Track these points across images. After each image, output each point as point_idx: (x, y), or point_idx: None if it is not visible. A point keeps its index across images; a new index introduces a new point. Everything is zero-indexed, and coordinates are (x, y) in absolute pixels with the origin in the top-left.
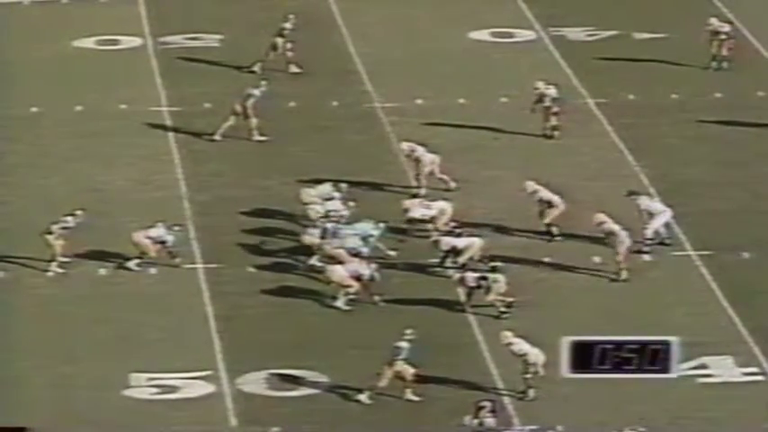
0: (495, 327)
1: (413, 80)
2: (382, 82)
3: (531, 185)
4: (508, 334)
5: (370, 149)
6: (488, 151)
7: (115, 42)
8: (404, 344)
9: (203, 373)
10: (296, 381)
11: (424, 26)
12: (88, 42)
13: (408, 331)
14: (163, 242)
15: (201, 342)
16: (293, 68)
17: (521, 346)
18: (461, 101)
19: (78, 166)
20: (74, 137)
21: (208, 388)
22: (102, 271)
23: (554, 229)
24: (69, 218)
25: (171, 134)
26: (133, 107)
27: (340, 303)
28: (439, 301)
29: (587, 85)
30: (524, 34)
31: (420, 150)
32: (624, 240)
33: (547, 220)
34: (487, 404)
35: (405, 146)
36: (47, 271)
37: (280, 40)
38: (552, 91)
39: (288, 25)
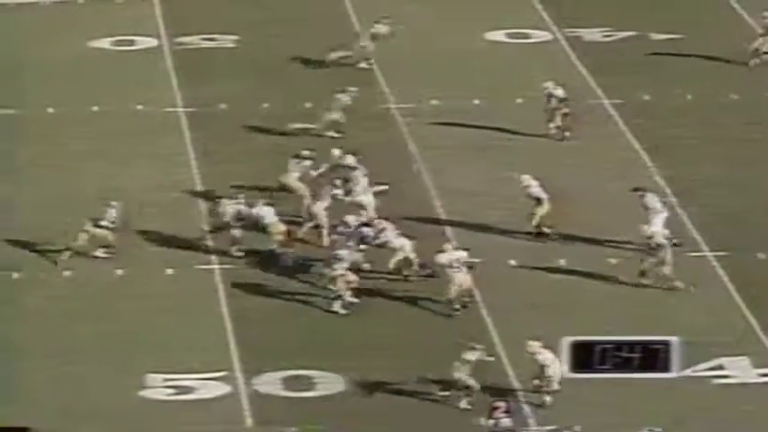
0: (511, 328)
1: (428, 81)
2: (397, 82)
3: (526, 179)
4: (535, 344)
5: (385, 150)
6: (504, 152)
7: (131, 43)
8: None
9: (219, 374)
10: (312, 381)
11: (440, 26)
12: (104, 43)
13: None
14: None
15: (217, 343)
16: (363, 64)
17: (545, 356)
18: (477, 101)
19: (94, 167)
20: (90, 137)
21: (224, 388)
22: (119, 271)
23: (545, 229)
24: (112, 209)
25: (187, 134)
26: (149, 108)
27: (337, 307)
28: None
29: (603, 85)
30: (540, 35)
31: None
32: (668, 250)
33: (534, 222)
34: (502, 405)
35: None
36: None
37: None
38: (560, 92)
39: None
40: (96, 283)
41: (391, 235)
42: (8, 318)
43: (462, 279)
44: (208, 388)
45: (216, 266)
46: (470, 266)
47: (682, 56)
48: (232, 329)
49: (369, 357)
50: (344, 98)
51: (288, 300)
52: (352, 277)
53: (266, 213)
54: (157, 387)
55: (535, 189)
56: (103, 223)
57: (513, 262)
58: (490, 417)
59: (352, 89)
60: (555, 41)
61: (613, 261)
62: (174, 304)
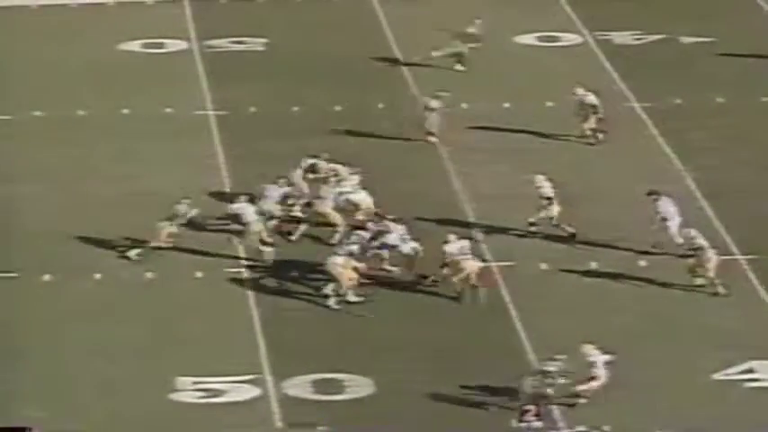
0: (541, 330)
1: (459, 83)
2: (427, 85)
3: (539, 179)
4: (591, 347)
5: (416, 153)
6: (533, 155)
7: (161, 45)
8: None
9: (249, 377)
10: (341, 384)
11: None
12: (134, 45)
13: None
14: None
15: (247, 346)
16: (458, 66)
17: (599, 361)
18: (507, 105)
19: (123, 169)
20: (119, 140)
21: (253, 392)
22: (149, 274)
23: (568, 228)
24: (183, 206)
25: (216, 137)
26: (178, 110)
27: (332, 302)
28: (484, 303)
29: (634, 88)
30: (571, 38)
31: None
32: (711, 256)
33: (538, 216)
34: (532, 407)
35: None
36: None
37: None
38: (591, 98)
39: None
40: (126, 286)
41: (394, 238)
42: (38, 320)
43: (471, 266)
44: (238, 391)
45: (245, 269)
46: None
47: (712, 58)
48: (262, 333)
49: (398, 360)
50: (435, 103)
51: (318, 303)
52: (353, 274)
53: (247, 211)
54: (187, 390)
55: (547, 189)
56: (177, 221)
57: (543, 265)
58: (521, 420)
59: (444, 93)
60: (585, 44)
61: (643, 263)
62: (203, 307)
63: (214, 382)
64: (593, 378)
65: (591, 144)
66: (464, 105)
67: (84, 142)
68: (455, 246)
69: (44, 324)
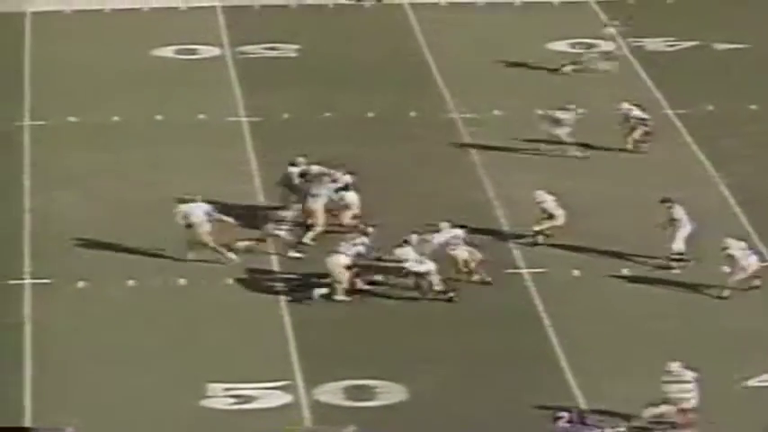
0: (574, 337)
1: (491, 90)
2: (461, 92)
3: (540, 195)
4: (677, 364)
5: (449, 160)
6: (564, 162)
7: (194, 51)
8: None
9: (280, 383)
10: (373, 391)
11: (503, 37)
12: (167, 51)
13: None
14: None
15: (278, 352)
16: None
17: (685, 377)
18: (541, 111)
19: (157, 176)
20: (153, 146)
21: (285, 398)
22: (181, 281)
23: (539, 238)
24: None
25: (249, 144)
26: (211, 117)
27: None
28: (516, 310)
29: (667, 95)
30: (604, 44)
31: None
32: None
33: (539, 227)
34: (565, 415)
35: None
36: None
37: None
38: (637, 112)
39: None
40: (159, 292)
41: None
42: (71, 327)
43: (461, 254)
44: (269, 397)
45: (277, 275)
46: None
47: (746, 65)
48: (293, 339)
49: (430, 367)
50: (568, 116)
51: (349, 309)
52: (347, 275)
53: (195, 212)
54: (219, 396)
55: (550, 204)
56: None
57: (576, 272)
58: (555, 420)
59: (572, 107)
60: (618, 51)
61: (676, 270)
62: (235, 314)
63: (245, 389)
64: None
65: (625, 151)
66: (497, 112)
67: (117, 148)
68: (443, 236)
69: (78, 330)
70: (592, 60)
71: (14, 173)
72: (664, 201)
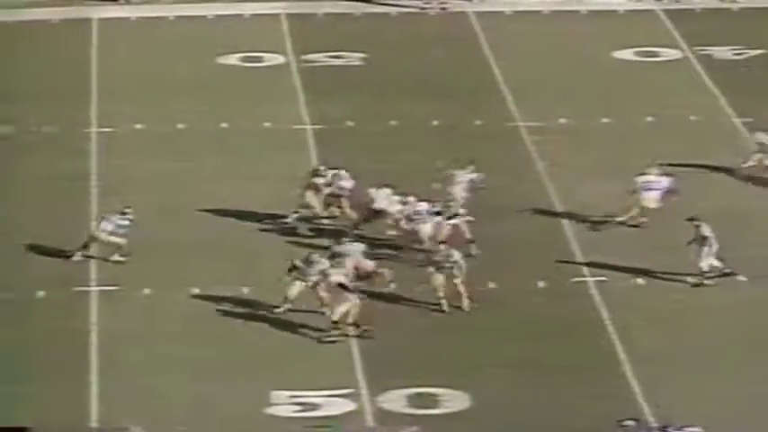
0: (638, 345)
1: (556, 99)
2: (525, 101)
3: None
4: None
5: (513, 168)
6: (632, 171)
7: (259, 59)
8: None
9: (344, 391)
10: (436, 399)
11: (568, 45)
12: (232, 59)
13: None
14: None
15: (343, 359)
16: None
17: None
18: (605, 120)
19: (222, 184)
20: (218, 154)
21: (349, 405)
22: (245, 289)
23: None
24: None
25: (313, 152)
26: (276, 125)
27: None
28: (581, 319)
29: (734, 104)
30: (670, 53)
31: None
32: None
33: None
34: (631, 423)
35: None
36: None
37: None
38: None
39: None
40: (223, 300)
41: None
42: (137, 334)
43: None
44: (333, 405)
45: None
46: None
47: None
48: (357, 346)
49: (494, 375)
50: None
51: (412, 316)
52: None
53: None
54: (283, 404)
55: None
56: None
57: (640, 281)
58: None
59: None
60: (685, 60)
61: (743, 278)
62: (298, 320)
63: (310, 396)
64: None
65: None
66: (562, 120)
67: (183, 156)
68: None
69: (142, 337)
70: None
71: (81, 180)
72: (691, 219)
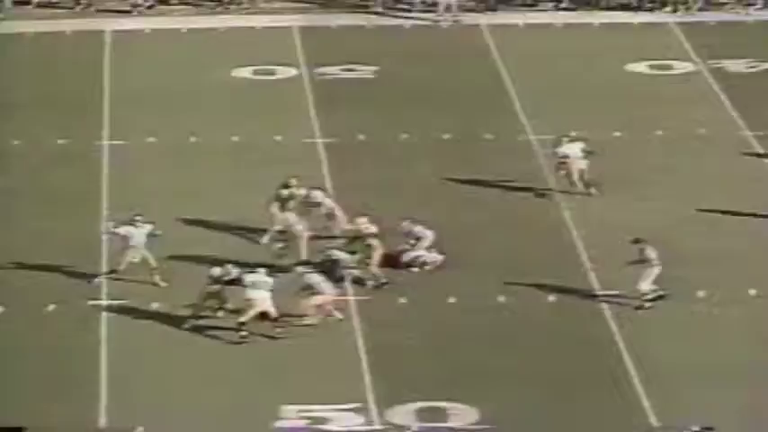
0: (649, 360)
1: (568, 112)
2: (537, 114)
3: None
4: None
5: (524, 182)
6: (643, 185)
7: (271, 72)
8: None
9: (353, 405)
10: (445, 413)
11: (580, 58)
12: (245, 72)
13: None
14: None
15: (351, 373)
16: None
17: None
18: (617, 134)
19: (233, 197)
20: (230, 168)
21: (357, 419)
22: None
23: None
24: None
25: (325, 165)
26: (287, 138)
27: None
28: (591, 333)
29: (747, 117)
30: (683, 66)
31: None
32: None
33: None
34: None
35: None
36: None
37: None
38: None
39: None
40: (231, 313)
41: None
42: (146, 347)
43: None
44: (342, 419)
45: (351, 297)
46: None
47: None
48: (366, 361)
49: (503, 389)
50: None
51: (422, 331)
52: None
53: (135, 234)
54: (292, 418)
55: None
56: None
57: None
58: None
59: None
60: (698, 73)
61: (753, 292)
62: (308, 335)
63: (319, 410)
64: None
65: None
66: (573, 134)
67: (195, 169)
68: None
69: (152, 349)
70: None
71: (93, 193)
72: (636, 241)
